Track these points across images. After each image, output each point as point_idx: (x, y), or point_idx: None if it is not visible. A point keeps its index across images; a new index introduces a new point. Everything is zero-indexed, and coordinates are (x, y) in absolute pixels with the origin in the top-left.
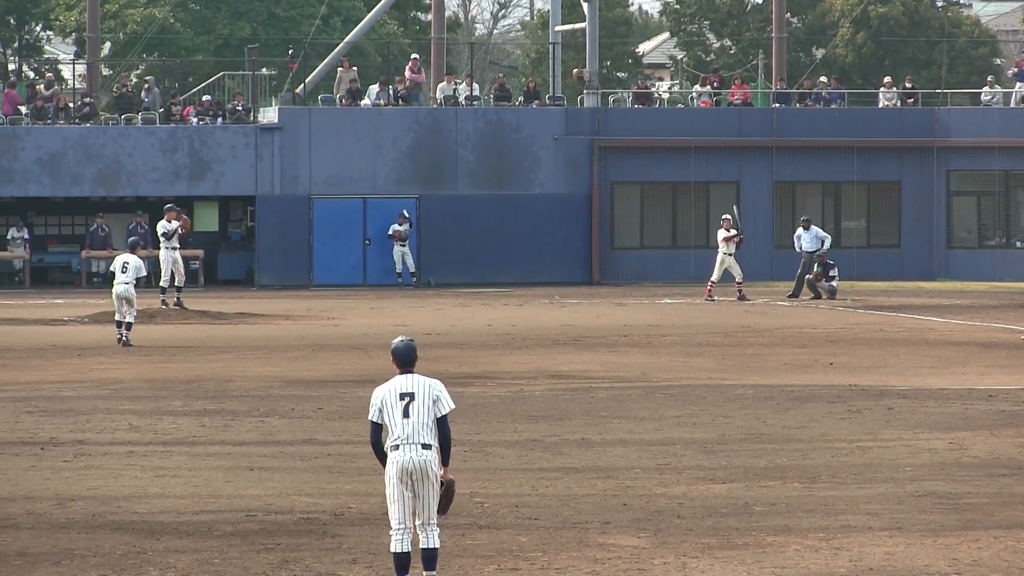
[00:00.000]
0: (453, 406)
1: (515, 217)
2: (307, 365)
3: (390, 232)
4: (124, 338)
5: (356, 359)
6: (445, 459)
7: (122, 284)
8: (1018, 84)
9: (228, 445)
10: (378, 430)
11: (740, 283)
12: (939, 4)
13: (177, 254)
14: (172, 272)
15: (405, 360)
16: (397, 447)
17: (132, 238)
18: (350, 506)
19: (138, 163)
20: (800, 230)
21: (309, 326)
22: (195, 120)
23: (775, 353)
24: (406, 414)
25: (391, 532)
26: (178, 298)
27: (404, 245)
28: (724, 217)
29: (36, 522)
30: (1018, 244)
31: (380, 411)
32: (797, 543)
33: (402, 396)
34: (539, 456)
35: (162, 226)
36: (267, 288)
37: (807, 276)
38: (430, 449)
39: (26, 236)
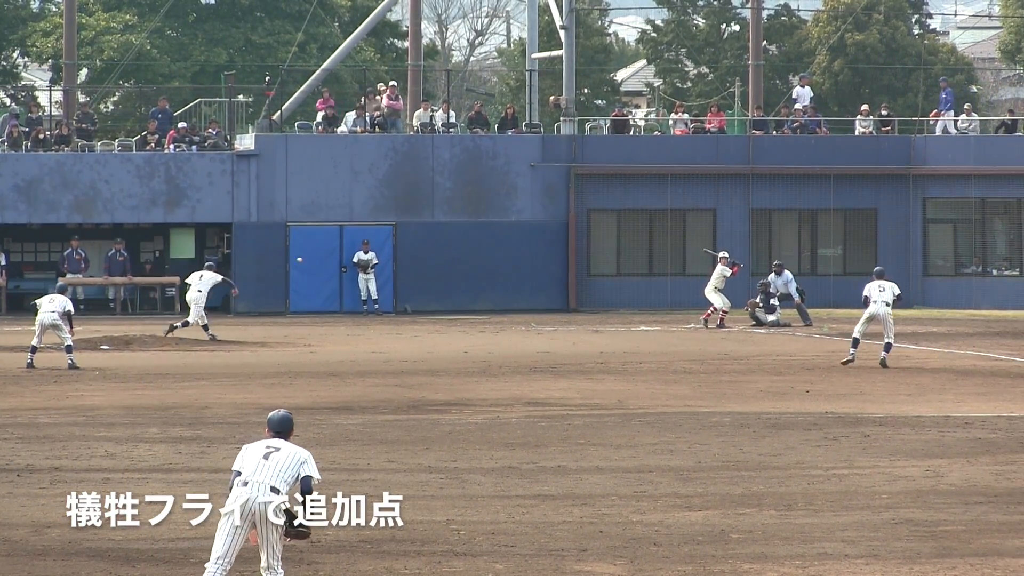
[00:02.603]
0: (320, 478)
1: (492, 244)
2: (284, 392)
3: (355, 260)
4: (71, 362)
5: (333, 386)
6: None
7: (49, 313)
8: (944, 113)
9: (204, 472)
10: (237, 476)
11: (726, 312)
12: (916, 32)
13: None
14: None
15: (278, 430)
16: (246, 483)
17: (60, 283)
18: (326, 533)
19: (115, 190)
20: (772, 276)
21: (286, 353)
22: (171, 147)
23: (751, 380)
24: (266, 458)
25: (207, 565)
26: (175, 325)
27: (369, 273)
28: (722, 255)
29: (12, 549)
30: (994, 272)
31: (243, 460)
32: (774, 570)
33: (268, 447)
34: (515, 483)
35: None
36: (244, 315)
37: (752, 306)
38: (278, 493)
39: (2, 262)
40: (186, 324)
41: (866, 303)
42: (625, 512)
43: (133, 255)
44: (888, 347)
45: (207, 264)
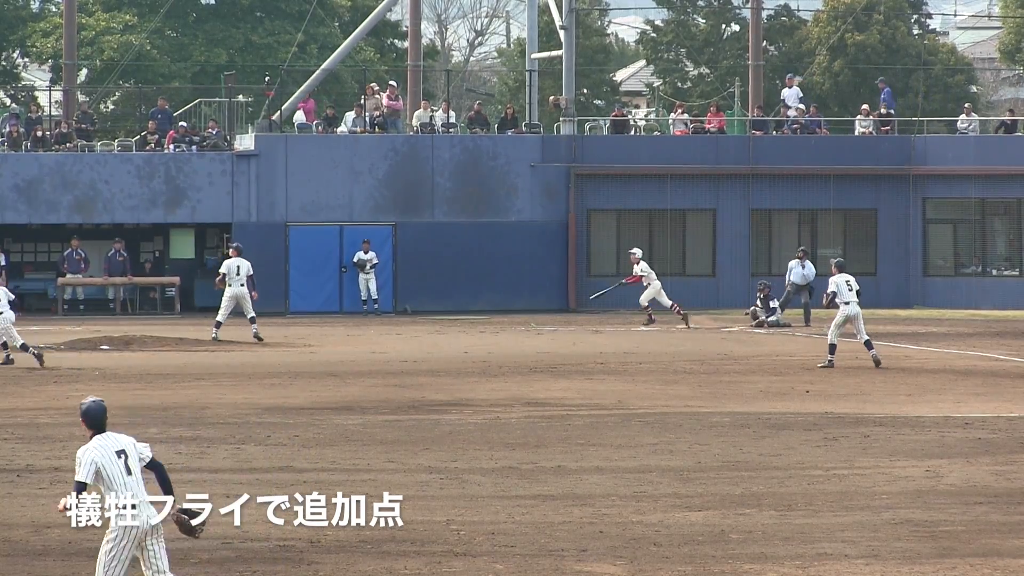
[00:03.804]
0: (149, 449)
1: (492, 244)
2: (283, 392)
3: (355, 259)
4: (38, 356)
5: (332, 386)
6: (168, 490)
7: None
8: (886, 109)
9: (204, 472)
10: (83, 489)
11: (678, 308)
12: (915, 32)
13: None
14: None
15: (99, 422)
16: (135, 506)
17: None
18: (326, 533)
19: (115, 190)
20: (795, 262)
21: (285, 353)
22: (171, 147)
23: (751, 381)
24: (129, 471)
25: None
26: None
27: (369, 273)
28: (633, 252)
29: (12, 549)
30: (994, 272)
31: (96, 471)
32: (774, 571)
33: (118, 454)
34: (515, 483)
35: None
36: (243, 315)
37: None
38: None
39: (2, 262)
40: (253, 319)
41: (833, 298)
42: (625, 512)
43: (133, 255)
44: (868, 344)
45: (235, 246)
